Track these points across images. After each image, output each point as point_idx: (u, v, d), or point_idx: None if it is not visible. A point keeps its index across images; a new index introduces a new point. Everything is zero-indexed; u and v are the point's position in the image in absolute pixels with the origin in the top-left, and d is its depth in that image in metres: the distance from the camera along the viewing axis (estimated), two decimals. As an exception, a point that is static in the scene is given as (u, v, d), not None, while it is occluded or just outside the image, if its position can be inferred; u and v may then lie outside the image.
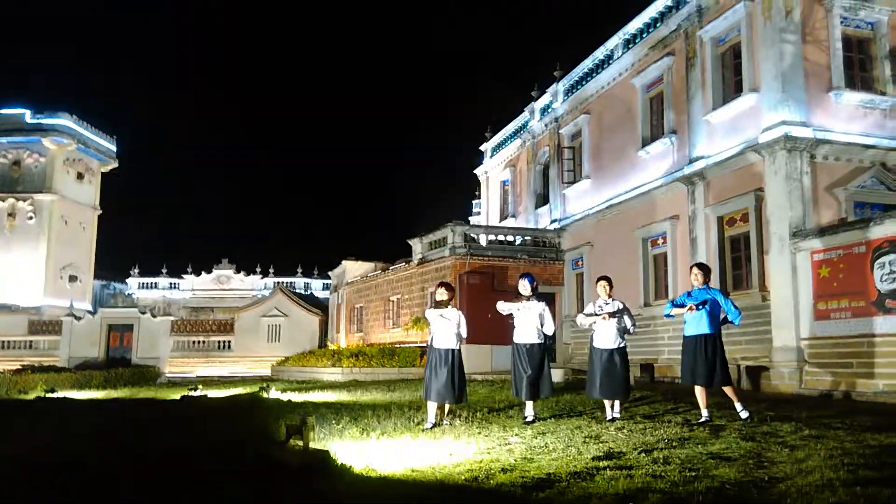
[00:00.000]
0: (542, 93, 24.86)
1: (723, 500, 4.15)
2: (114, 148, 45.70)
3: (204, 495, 4.56)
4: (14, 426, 9.44)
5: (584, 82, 21.85)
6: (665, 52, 17.80)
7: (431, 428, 7.90)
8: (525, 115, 26.30)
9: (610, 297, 8.51)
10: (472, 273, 21.18)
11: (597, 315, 8.37)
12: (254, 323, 35.24)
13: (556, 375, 13.85)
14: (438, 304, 8.57)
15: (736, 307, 7.97)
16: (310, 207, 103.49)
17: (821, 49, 14.34)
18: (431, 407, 8.26)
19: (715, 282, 13.12)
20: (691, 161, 16.33)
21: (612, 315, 8.29)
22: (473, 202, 48.29)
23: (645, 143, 18.46)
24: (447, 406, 8.55)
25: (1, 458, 6.17)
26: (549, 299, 20.24)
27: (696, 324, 7.82)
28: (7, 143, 40.61)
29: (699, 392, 7.81)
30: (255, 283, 54.92)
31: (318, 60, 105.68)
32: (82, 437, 7.82)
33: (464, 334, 8.60)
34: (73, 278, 41.49)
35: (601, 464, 5.36)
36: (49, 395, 17.29)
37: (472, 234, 22.37)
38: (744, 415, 7.68)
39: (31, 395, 17.85)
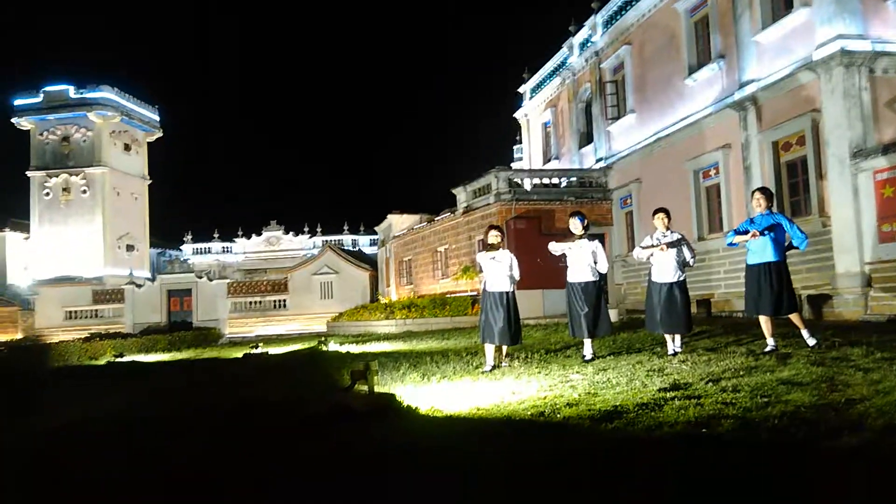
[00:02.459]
0: (580, 27, 24.06)
1: (799, 424, 4.05)
2: (157, 118, 46.44)
3: (278, 440, 4.69)
4: (95, 388, 9.88)
5: (623, 12, 21.04)
6: (709, -27, 16.94)
7: (491, 370, 7.95)
8: (563, 51, 25.55)
9: (668, 229, 8.28)
10: (518, 218, 21.00)
11: (654, 247, 8.16)
12: (306, 281, 35.92)
13: (611, 316, 13.75)
14: (490, 248, 8.50)
15: (802, 231, 7.67)
16: (353, 165, 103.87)
17: (878, -46, 13.43)
18: (489, 350, 8.29)
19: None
20: (741, 86, 15.67)
21: (670, 246, 8.07)
22: (515, 147, 47.56)
23: (691, 71, 17.78)
24: (504, 348, 8.57)
25: (95, 415, 6.46)
26: (599, 240, 19.92)
27: (761, 251, 7.55)
28: (55, 119, 41.64)
29: (764, 321, 7.61)
30: (304, 243, 55.77)
31: (354, 13, 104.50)
32: (163, 397, 8.12)
33: (517, 276, 8.54)
34: (130, 247, 42.80)
35: (668, 395, 5.30)
36: (118, 359, 18.04)
37: (516, 179, 22.10)
38: (811, 342, 7.47)
39: (102, 361, 18.62)
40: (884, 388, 4.83)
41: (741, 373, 6.10)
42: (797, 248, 7.67)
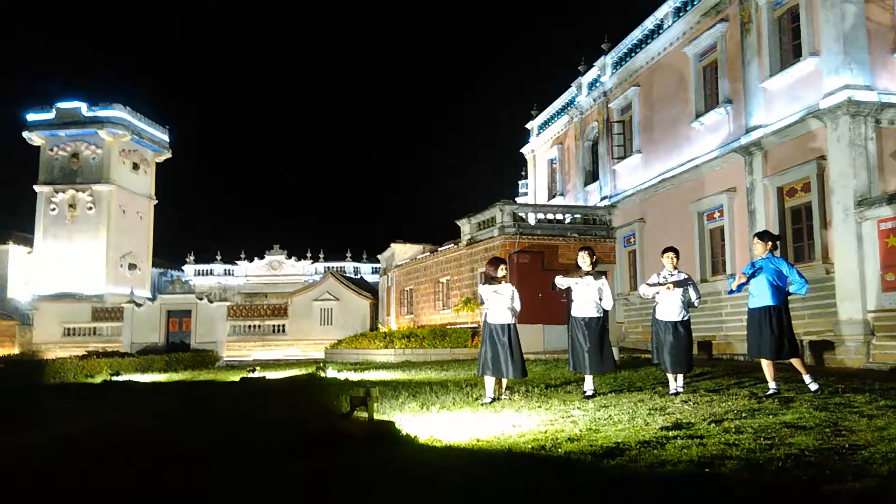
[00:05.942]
0: (590, 67, 24.39)
1: (803, 467, 4.02)
2: (167, 138, 46.81)
3: (276, 465, 4.64)
4: (90, 406, 9.80)
5: (633, 54, 21.35)
6: (718, 19, 17.23)
7: (490, 402, 7.89)
8: (572, 90, 25.87)
9: (676, 269, 8.32)
10: (521, 252, 21.04)
11: (661, 285, 8.18)
12: (306, 307, 35.82)
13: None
14: (493, 280, 8.51)
15: (802, 276, 7.68)
16: (359, 193, 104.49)
17: (884, 8, 13.69)
18: (489, 382, 8.24)
19: (776, 254, 12.74)
20: (748, 131, 15.82)
21: (676, 285, 8.10)
22: (520, 182, 47.83)
23: (699, 115, 17.96)
24: (504, 381, 8.51)
25: (88, 432, 6.40)
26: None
27: (761, 295, 7.56)
28: (66, 136, 41.95)
29: (766, 365, 7.58)
30: (306, 268, 55.75)
31: (362, 46, 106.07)
32: (157, 416, 8.06)
33: (517, 308, 8.53)
34: (132, 266, 42.80)
35: (670, 433, 5.25)
36: (114, 378, 17.93)
37: (520, 214, 22.19)
38: (813, 387, 7.43)
39: (98, 379, 18.50)
40: (889, 435, 4.79)
41: (744, 414, 6.05)
42: (797, 293, 7.66)
